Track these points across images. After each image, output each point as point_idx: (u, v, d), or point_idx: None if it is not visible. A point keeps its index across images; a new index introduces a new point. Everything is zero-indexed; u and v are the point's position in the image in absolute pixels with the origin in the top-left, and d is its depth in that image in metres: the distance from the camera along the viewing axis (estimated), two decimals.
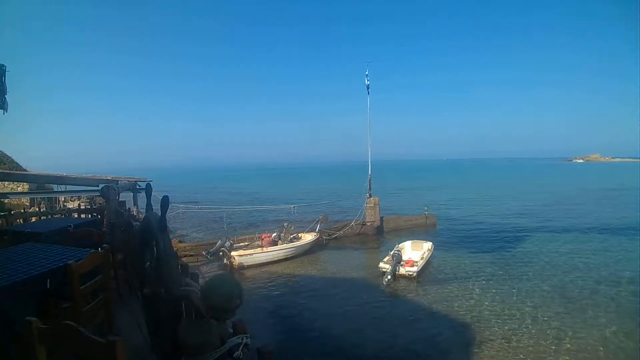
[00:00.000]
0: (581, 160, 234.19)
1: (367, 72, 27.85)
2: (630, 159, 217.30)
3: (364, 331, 11.88)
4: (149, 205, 4.98)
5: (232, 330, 3.45)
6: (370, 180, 27.41)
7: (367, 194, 26.81)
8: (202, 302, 3.36)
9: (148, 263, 4.09)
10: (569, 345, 10.92)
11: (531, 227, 29.19)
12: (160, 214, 4.12)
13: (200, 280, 5.15)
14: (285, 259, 20.05)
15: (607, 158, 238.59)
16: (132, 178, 10.06)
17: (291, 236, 21.57)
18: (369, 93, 28.02)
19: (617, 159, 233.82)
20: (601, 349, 10.75)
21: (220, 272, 17.44)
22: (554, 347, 10.88)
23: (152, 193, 5.37)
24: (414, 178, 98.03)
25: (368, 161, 27.64)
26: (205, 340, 3.05)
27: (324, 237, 23.60)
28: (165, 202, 4.12)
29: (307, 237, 21.99)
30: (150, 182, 9.95)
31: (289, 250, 20.32)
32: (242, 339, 3.12)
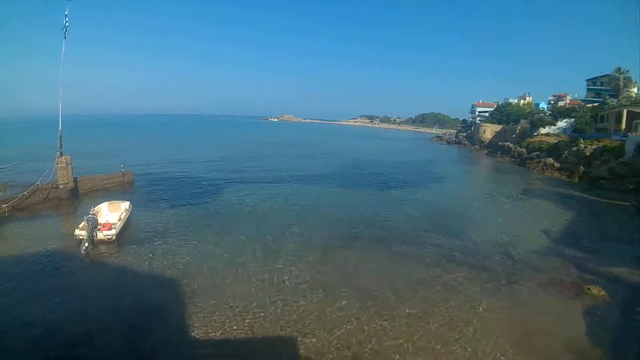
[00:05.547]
0: (276, 120, 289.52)
1: (67, 12, 24.52)
2: (316, 120, 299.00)
3: (67, 308, 11.51)
4: None
5: None
6: (61, 136, 25.39)
7: (58, 153, 24.82)
8: None
9: None
10: (276, 281, 13.62)
11: (227, 178, 34.03)
12: None
13: None
14: None
15: (299, 119, 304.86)
16: None
17: None
18: (65, 37, 24.98)
19: (307, 120, 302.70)
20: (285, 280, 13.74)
21: None
22: (263, 287, 13.18)
23: None
24: (112, 134, 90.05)
25: (59, 115, 25.26)
26: None
27: (6, 209, 20.84)
28: None
29: None
30: None
31: None
32: None
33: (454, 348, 10.65)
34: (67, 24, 24.80)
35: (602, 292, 14.07)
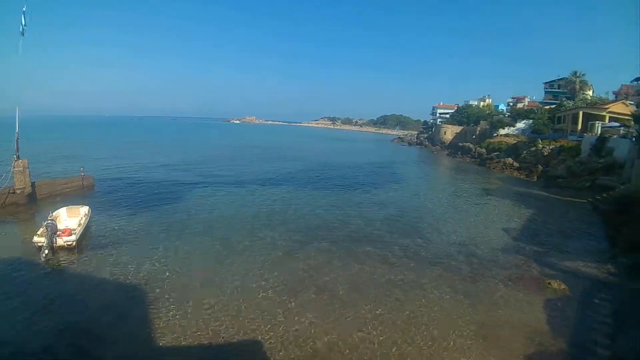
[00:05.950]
0: (238, 121, 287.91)
1: (24, 9, 23.19)
2: (278, 122, 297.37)
3: (26, 319, 11.07)
4: None
5: None
6: (17, 139, 24.16)
7: (15, 156, 23.65)
8: None
9: None
10: (238, 284, 13.71)
11: (190, 182, 33.54)
12: None
13: None
14: None
15: (261, 120, 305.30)
16: None
17: None
18: (23, 34, 23.67)
19: (269, 122, 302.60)
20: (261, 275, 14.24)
21: None
22: (225, 290, 13.23)
23: None
24: (70, 136, 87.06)
25: (16, 116, 23.97)
26: None
27: None
28: None
29: None
30: None
31: None
32: None
33: (419, 343, 10.92)
34: (25, 21, 23.60)
35: (562, 286, 14.78)
